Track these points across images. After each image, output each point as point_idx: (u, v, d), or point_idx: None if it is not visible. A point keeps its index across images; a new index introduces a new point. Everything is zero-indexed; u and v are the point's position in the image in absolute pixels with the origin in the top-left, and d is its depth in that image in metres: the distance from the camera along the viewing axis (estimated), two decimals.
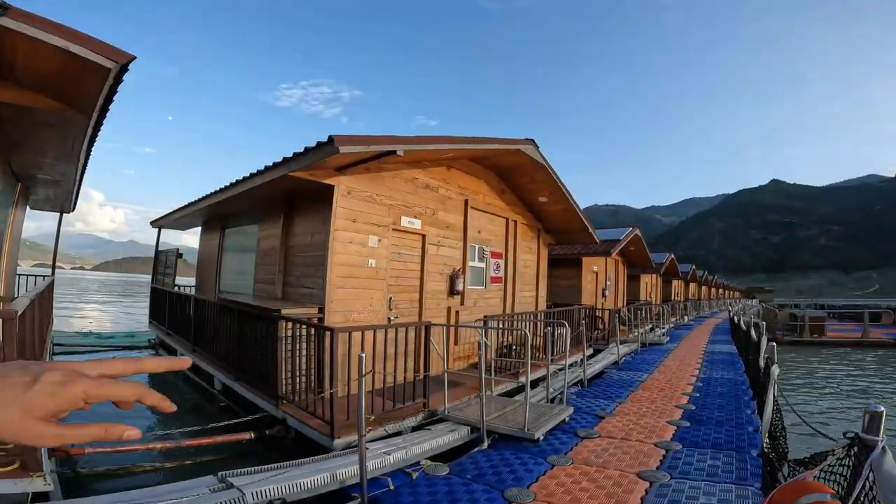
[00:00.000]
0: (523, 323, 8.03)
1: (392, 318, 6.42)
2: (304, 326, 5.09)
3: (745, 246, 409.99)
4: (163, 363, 0.54)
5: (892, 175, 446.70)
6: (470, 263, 8.00)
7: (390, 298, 6.43)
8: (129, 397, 0.49)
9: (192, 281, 11.36)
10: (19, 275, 9.25)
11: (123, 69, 3.04)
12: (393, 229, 6.49)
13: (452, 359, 7.43)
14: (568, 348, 6.44)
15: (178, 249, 10.60)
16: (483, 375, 4.57)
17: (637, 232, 15.56)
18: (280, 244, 6.82)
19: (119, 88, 3.32)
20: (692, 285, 38.76)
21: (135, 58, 3.00)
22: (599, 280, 15.17)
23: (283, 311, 5.29)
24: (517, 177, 8.85)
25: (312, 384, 4.99)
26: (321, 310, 5.61)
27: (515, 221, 9.40)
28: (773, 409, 4.61)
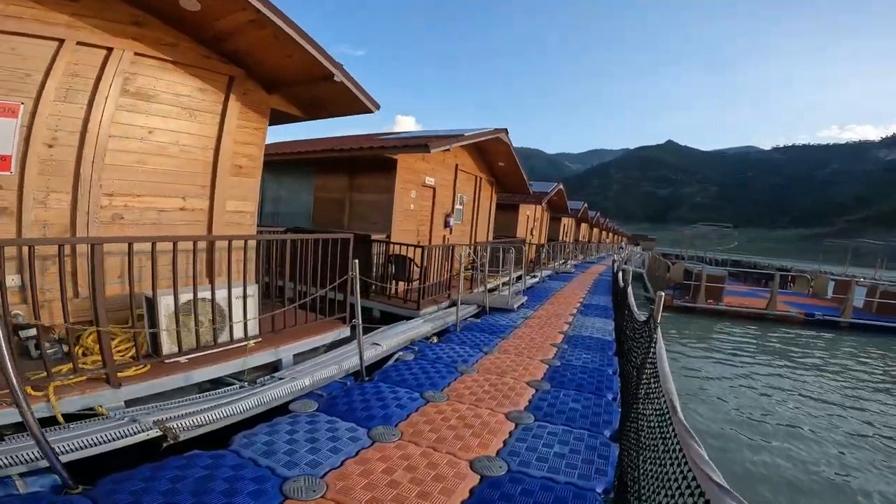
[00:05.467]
0: None
1: None
2: None
3: (637, 197, 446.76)
4: None
5: (768, 148, 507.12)
6: None
7: None
8: None
9: None
10: None
11: None
12: None
13: None
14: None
15: None
16: None
17: (502, 135, 10.07)
18: None
19: None
20: (584, 226, 36.14)
21: None
22: (441, 201, 9.69)
23: None
24: None
25: None
26: None
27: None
28: None
